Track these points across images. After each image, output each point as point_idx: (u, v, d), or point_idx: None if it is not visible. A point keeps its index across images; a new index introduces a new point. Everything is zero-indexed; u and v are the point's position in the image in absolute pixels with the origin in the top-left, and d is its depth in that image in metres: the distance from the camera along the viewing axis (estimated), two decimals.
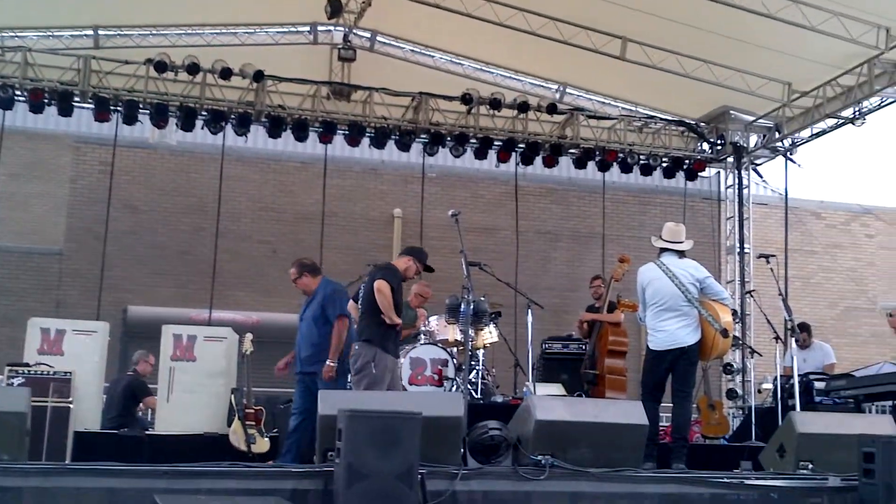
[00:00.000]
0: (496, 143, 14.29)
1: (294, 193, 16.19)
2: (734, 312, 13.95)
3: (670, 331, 7.80)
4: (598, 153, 14.60)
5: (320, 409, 5.85)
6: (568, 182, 16.73)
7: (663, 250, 8.11)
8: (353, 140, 13.86)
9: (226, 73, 12.56)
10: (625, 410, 6.45)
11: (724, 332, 7.75)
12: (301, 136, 13.68)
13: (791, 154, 14.76)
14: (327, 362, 8.07)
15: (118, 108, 12.88)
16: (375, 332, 7.78)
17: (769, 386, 12.06)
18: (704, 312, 7.79)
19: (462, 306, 7.19)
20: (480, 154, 14.35)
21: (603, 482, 6.02)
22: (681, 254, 8.08)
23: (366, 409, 5.30)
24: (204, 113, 13.12)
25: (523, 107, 13.85)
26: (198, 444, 8.58)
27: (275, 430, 8.64)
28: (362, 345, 7.77)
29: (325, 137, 13.79)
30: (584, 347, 10.88)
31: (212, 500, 5.19)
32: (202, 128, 13.35)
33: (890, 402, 9.59)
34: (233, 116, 13.24)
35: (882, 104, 13.13)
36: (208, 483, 5.48)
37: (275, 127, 13.43)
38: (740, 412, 13.42)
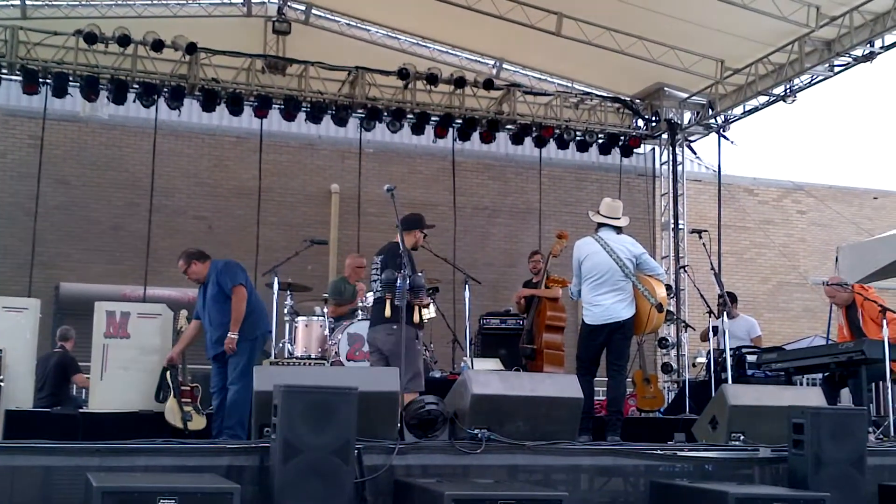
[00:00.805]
0: (433, 118, 14.26)
1: (229, 168, 16.00)
2: (668, 287, 14.21)
3: (606, 305, 7.87)
4: (534, 129, 14.65)
5: (256, 384, 5.82)
6: (505, 158, 16.76)
7: (601, 225, 8.17)
8: (288, 114, 13.73)
9: (157, 46, 12.33)
10: (560, 384, 6.49)
11: (660, 307, 7.86)
12: (236, 110, 13.50)
13: (724, 131, 14.95)
14: (228, 334, 8.04)
15: (47, 81, 12.58)
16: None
17: (703, 360, 12.25)
18: (640, 287, 7.88)
19: (398, 281, 7.15)
20: (417, 129, 14.31)
21: (538, 455, 6.07)
22: (618, 229, 8.15)
23: (301, 384, 5.27)
24: (136, 86, 12.87)
25: (460, 82, 13.82)
26: (133, 422, 8.47)
27: (211, 408, 8.57)
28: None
29: (261, 112, 13.63)
30: (521, 323, 10.98)
31: (146, 478, 5.13)
32: (134, 101, 13.11)
33: (820, 375, 9.80)
34: (165, 90, 13.00)
35: (812, 82, 13.34)
36: (143, 460, 5.43)
37: (209, 101, 13.24)
38: (675, 386, 13.63)
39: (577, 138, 14.95)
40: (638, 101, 15.37)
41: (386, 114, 13.98)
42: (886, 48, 12.20)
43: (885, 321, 8.24)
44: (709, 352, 11.01)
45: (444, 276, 11.52)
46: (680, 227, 15.06)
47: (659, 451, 6.36)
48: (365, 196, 14.87)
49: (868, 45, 12.23)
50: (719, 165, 15.75)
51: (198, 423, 8.47)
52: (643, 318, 7.92)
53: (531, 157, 15.93)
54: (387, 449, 5.64)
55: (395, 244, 8.12)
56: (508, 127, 14.69)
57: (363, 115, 14.02)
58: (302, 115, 13.85)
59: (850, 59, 12.62)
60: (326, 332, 10.17)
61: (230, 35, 13.68)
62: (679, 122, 15.32)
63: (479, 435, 5.89)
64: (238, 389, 7.87)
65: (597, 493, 6.32)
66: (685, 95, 15.01)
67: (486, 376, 6.52)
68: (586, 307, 8.02)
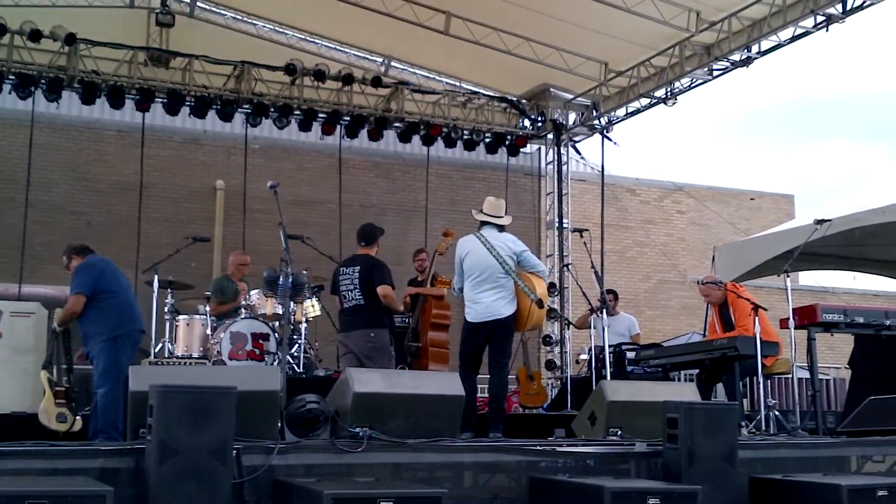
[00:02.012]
0: (320, 115, 14.19)
1: (110, 163, 15.56)
2: (552, 285, 14.41)
3: (487, 303, 7.93)
4: (422, 127, 14.71)
5: (131, 385, 5.69)
6: (393, 156, 16.74)
7: (483, 223, 8.24)
8: (172, 109, 13.47)
9: (35, 36, 11.96)
10: (442, 382, 6.53)
11: (540, 303, 7.95)
12: (117, 103, 13.19)
13: (608, 132, 15.24)
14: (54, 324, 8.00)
15: None
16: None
17: (586, 357, 12.47)
18: (521, 283, 7.96)
19: (280, 279, 7.09)
20: (304, 126, 14.22)
21: (421, 453, 6.07)
22: (500, 228, 8.22)
23: (178, 384, 5.17)
24: (12, 77, 12.47)
25: (348, 79, 13.78)
26: (5, 424, 8.18)
27: (87, 409, 8.34)
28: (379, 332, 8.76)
29: (143, 105, 13.34)
30: (407, 321, 10.97)
31: (17, 481, 4.96)
32: (10, 93, 12.69)
33: (696, 371, 10.07)
34: (43, 81, 12.62)
35: (692, 85, 13.71)
36: (13, 463, 5.24)
37: (89, 93, 12.91)
38: (558, 382, 13.83)
39: (465, 137, 15.08)
40: (524, 101, 15.56)
41: (272, 109, 13.84)
42: (763, 53, 12.62)
43: (756, 318, 8.50)
44: (590, 349, 11.21)
45: (329, 275, 11.46)
46: (564, 226, 15.30)
47: (538, 447, 6.43)
48: (251, 193, 14.66)
49: (746, 50, 12.64)
50: (602, 166, 16.08)
51: (75, 424, 8.24)
52: (524, 315, 8.01)
53: (419, 155, 15.97)
54: (266, 449, 5.57)
55: (372, 257, 8.70)
56: (396, 125, 14.71)
57: (249, 111, 13.85)
58: (186, 110, 13.62)
59: (728, 64, 13.00)
60: (208, 330, 10.01)
61: (112, 26, 13.30)
62: (564, 122, 15.56)
63: (361, 433, 5.87)
64: (105, 393, 7.66)
65: (480, 489, 6.35)
66: (570, 96, 15.25)
67: (368, 374, 6.50)
68: (468, 305, 8.08)
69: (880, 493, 6.11)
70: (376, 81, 13.97)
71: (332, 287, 9.29)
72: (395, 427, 6.10)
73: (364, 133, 14.54)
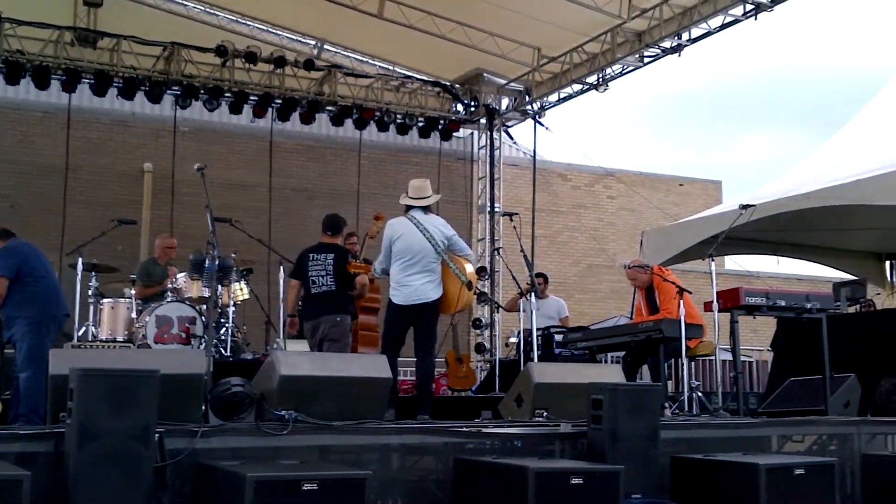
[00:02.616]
0: (252, 97, 14.08)
1: (35, 144, 15.25)
2: (482, 269, 14.48)
3: (415, 286, 7.93)
4: (355, 111, 14.67)
5: (52, 368, 5.59)
6: (325, 139, 16.67)
7: (410, 207, 8.22)
8: (99, 90, 13.29)
9: None
10: (368, 364, 6.52)
11: (469, 285, 7.99)
12: (42, 83, 12.97)
13: (540, 117, 15.33)
14: None
15: None
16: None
17: (515, 340, 12.55)
18: (452, 266, 7.98)
19: (206, 262, 7.03)
20: (235, 108, 14.10)
21: (347, 435, 6.07)
22: (426, 209, 8.21)
23: (99, 367, 5.11)
24: None
25: (280, 61, 13.69)
26: None
27: (7, 393, 8.19)
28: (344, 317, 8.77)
29: (69, 86, 13.15)
30: None
31: None
32: None
33: (622, 353, 10.20)
34: None
35: (624, 72, 13.84)
36: None
37: (13, 73, 12.68)
38: (487, 365, 13.91)
39: (398, 121, 15.07)
40: (457, 85, 15.59)
41: (202, 92, 13.71)
42: (693, 41, 12.76)
43: (681, 301, 8.63)
44: (520, 332, 11.29)
45: (259, 258, 11.41)
46: (496, 210, 15.38)
47: (464, 429, 6.47)
48: (179, 176, 14.49)
49: (676, 38, 12.78)
50: (534, 151, 16.19)
51: None
52: (454, 297, 8.02)
53: (351, 139, 15.94)
54: (190, 432, 5.53)
55: (342, 247, 8.86)
56: (329, 108, 14.65)
57: (179, 93, 13.70)
58: (114, 91, 13.43)
59: (659, 51, 13.14)
60: (133, 314, 9.89)
61: (37, 5, 13.03)
62: (497, 107, 15.64)
63: (287, 416, 5.85)
64: (27, 377, 7.52)
65: (407, 471, 6.39)
66: (503, 81, 15.31)
67: (295, 357, 6.48)
68: (394, 287, 8.04)
69: (797, 471, 6.27)
70: (309, 64, 13.89)
71: (296, 271, 9.23)
72: (322, 410, 6.08)
73: (296, 116, 14.47)
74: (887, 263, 14.38)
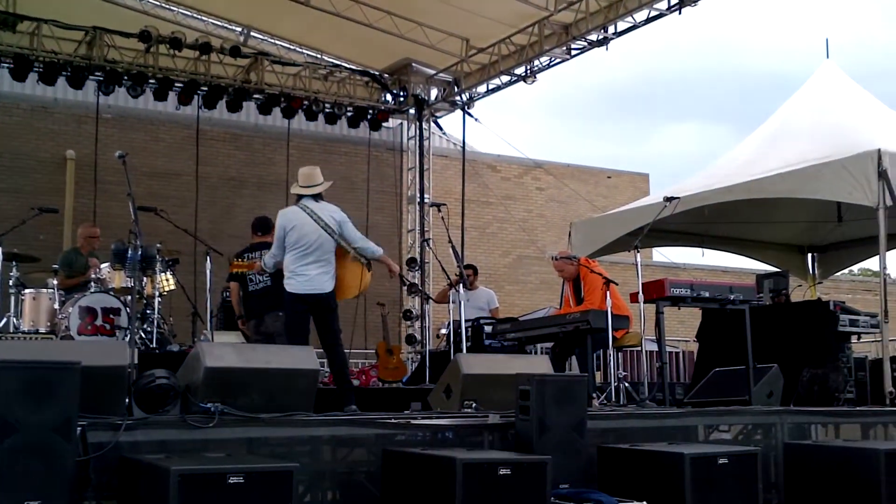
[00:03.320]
0: (177, 84, 13.86)
1: None
2: (413, 260, 14.48)
3: (310, 276, 7.76)
4: (283, 99, 14.52)
5: None
6: (253, 128, 16.49)
7: (301, 196, 8.06)
8: (19, 75, 12.95)
9: None
10: (296, 356, 6.45)
11: (370, 264, 7.92)
12: None
13: (469, 108, 15.35)
14: None
15: None
16: None
17: (446, 331, 12.57)
18: (352, 251, 7.86)
19: (129, 252, 6.89)
20: (160, 95, 13.87)
21: (275, 427, 6.01)
22: (318, 196, 8.08)
23: (17, 358, 4.97)
24: None
25: (205, 48, 13.49)
26: None
27: None
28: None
29: None
30: None
31: None
32: None
33: (551, 344, 10.27)
34: None
35: (551, 64, 13.94)
36: None
37: None
38: (418, 356, 13.91)
39: (326, 110, 14.97)
40: (386, 75, 15.52)
41: (126, 78, 13.44)
42: (619, 34, 12.90)
43: (607, 293, 8.71)
44: (450, 323, 11.30)
45: (186, 248, 11.23)
46: (426, 201, 15.36)
47: (392, 420, 6.45)
48: (102, 164, 14.21)
49: (602, 31, 12.90)
50: (464, 142, 16.21)
51: None
52: (356, 280, 7.87)
53: (280, 128, 15.79)
54: (113, 425, 5.41)
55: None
56: (256, 96, 14.48)
57: (101, 78, 13.42)
58: (34, 76, 13.10)
59: (585, 43, 13.26)
60: (56, 305, 9.66)
61: None
62: (426, 97, 15.62)
63: (212, 409, 5.76)
64: None
65: (337, 463, 6.35)
66: (432, 72, 15.29)
67: (220, 349, 6.38)
68: (289, 276, 7.86)
69: (721, 461, 6.36)
70: (235, 51, 13.71)
71: (231, 276, 9.54)
72: (250, 402, 6.01)
73: (223, 104, 14.28)
74: (809, 256, 14.70)
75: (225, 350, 6.30)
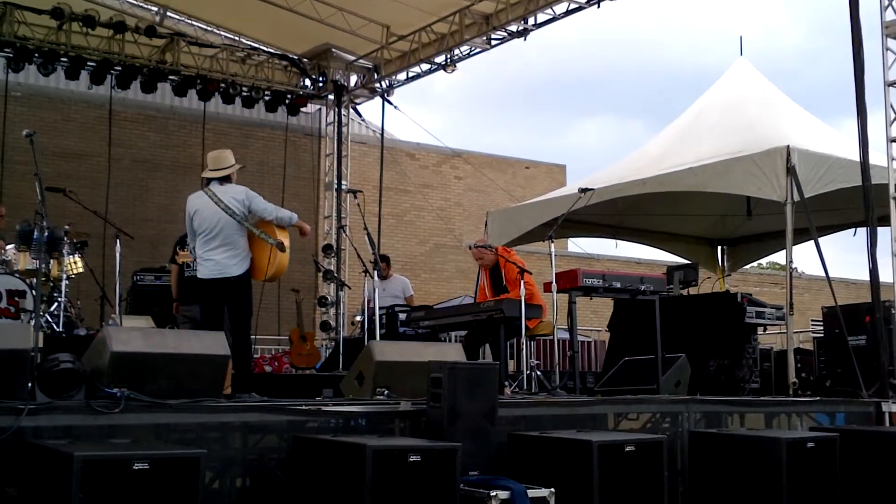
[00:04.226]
0: (90, 63, 13.55)
1: None
2: (328, 247, 14.41)
3: (217, 260, 7.63)
4: (199, 81, 14.29)
5: None
6: (168, 110, 16.22)
7: (210, 180, 7.94)
8: None
9: None
10: (206, 341, 6.36)
11: (281, 245, 7.66)
12: None
13: (388, 95, 15.30)
14: None
15: None
16: None
17: (361, 318, 12.54)
18: (257, 231, 7.68)
19: (35, 233, 6.72)
20: (72, 74, 13.56)
21: (183, 413, 5.92)
22: (223, 180, 7.89)
23: None
24: None
25: (120, 27, 13.22)
26: None
27: None
28: None
29: None
30: None
31: None
32: None
33: (465, 332, 10.31)
34: None
35: (471, 53, 13.98)
36: None
37: None
38: (332, 343, 13.86)
39: (244, 94, 14.77)
40: (306, 60, 15.39)
41: (37, 55, 13.10)
42: (539, 26, 12.98)
43: (522, 282, 8.76)
44: (364, 310, 11.28)
45: (95, 231, 11.01)
46: (343, 187, 15.28)
47: (303, 407, 6.41)
48: (11, 143, 13.81)
49: (522, 22, 12.97)
50: (382, 129, 16.15)
51: None
52: (265, 261, 7.73)
53: (196, 111, 15.55)
54: (15, 409, 5.29)
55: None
56: (171, 78, 14.22)
57: (11, 55, 13.08)
58: None
59: (505, 34, 13.32)
60: None
61: None
62: (345, 84, 15.54)
63: (118, 394, 5.66)
64: None
65: (248, 450, 6.30)
66: (352, 58, 15.21)
67: (128, 333, 6.27)
68: (200, 262, 7.75)
69: (628, 448, 6.47)
70: (150, 31, 13.47)
71: (173, 257, 9.48)
72: (158, 387, 5.92)
73: (137, 85, 13.98)
74: (719, 249, 15.01)
75: (132, 335, 6.19)
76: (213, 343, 6.32)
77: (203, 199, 7.77)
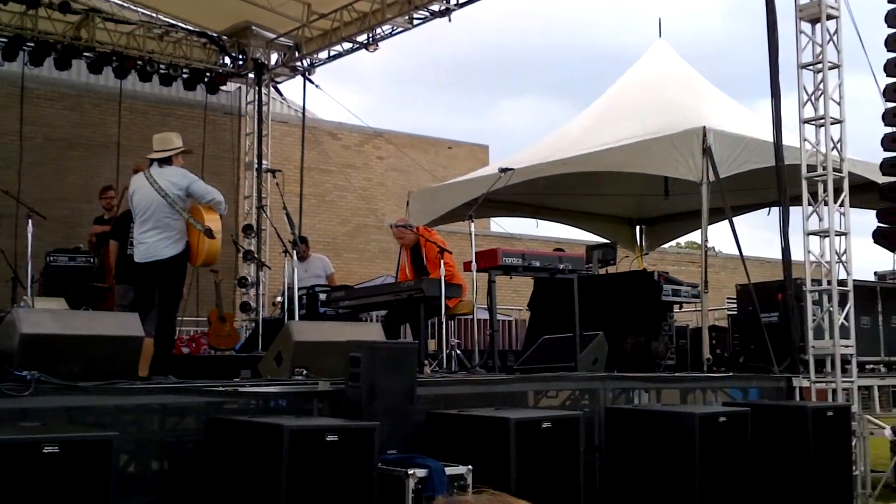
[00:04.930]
0: (1, 39, 13.17)
1: None
2: (249, 227, 14.27)
3: (149, 243, 7.56)
4: (115, 59, 13.99)
5: None
6: (84, 87, 15.86)
7: (152, 161, 7.84)
8: None
9: None
10: (120, 322, 6.29)
11: (209, 232, 7.57)
12: None
13: (310, 74, 15.16)
14: None
15: None
16: None
17: (282, 299, 12.45)
18: (188, 217, 7.62)
19: None
20: None
21: (96, 396, 5.83)
22: (163, 162, 7.80)
23: None
24: None
25: (33, 2, 12.87)
26: None
27: None
28: None
29: None
30: (92, 261, 10.53)
31: None
32: None
33: (385, 312, 10.32)
34: None
35: (393, 32, 13.90)
36: None
37: None
38: (252, 324, 13.73)
39: (161, 71, 14.51)
40: (225, 37, 15.17)
41: None
42: (461, 5, 12.95)
43: (442, 261, 8.78)
44: (284, 291, 11.22)
45: (6, 211, 10.77)
46: (264, 167, 15.12)
47: (220, 388, 6.36)
48: None
49: (445, 2, 12.93)
50: (304, 108, 16.02)
51: None
52: (194, 248, 7.64)
53: (112, 89, 15.21)
54: None
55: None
56: (86, 54, 13.92)
57: None
58: None
59: (427, 13, 13.26)
60: None
61: None
62: (266, 62, 15.35)
63: (28, 377, 5.54)
64: None
65: (165, 432, 6.25)
66: (272, 36, 15.04)
67: (38, 315, 6.16)
68: (135, 244, 7.73)
69: (545, 424, 6.54)
70: (64, 7, 13.11)
71: (114, 233, 9.27)
72: (70, 370, 5.81)
73: (50, 62, 13.64)
74: (637, 228, 15.23)
75: (43, 316, 6.08)
76: (127, 324, 6.23)
77: (141, 180, 7.70)
